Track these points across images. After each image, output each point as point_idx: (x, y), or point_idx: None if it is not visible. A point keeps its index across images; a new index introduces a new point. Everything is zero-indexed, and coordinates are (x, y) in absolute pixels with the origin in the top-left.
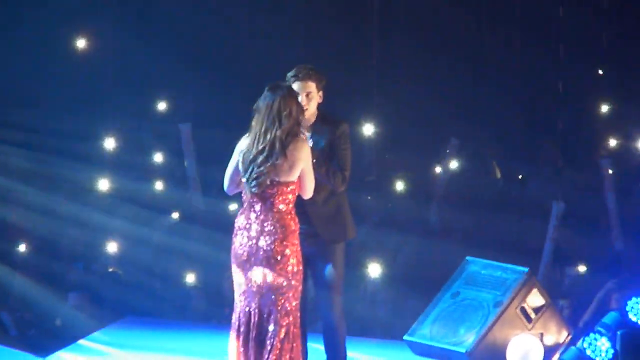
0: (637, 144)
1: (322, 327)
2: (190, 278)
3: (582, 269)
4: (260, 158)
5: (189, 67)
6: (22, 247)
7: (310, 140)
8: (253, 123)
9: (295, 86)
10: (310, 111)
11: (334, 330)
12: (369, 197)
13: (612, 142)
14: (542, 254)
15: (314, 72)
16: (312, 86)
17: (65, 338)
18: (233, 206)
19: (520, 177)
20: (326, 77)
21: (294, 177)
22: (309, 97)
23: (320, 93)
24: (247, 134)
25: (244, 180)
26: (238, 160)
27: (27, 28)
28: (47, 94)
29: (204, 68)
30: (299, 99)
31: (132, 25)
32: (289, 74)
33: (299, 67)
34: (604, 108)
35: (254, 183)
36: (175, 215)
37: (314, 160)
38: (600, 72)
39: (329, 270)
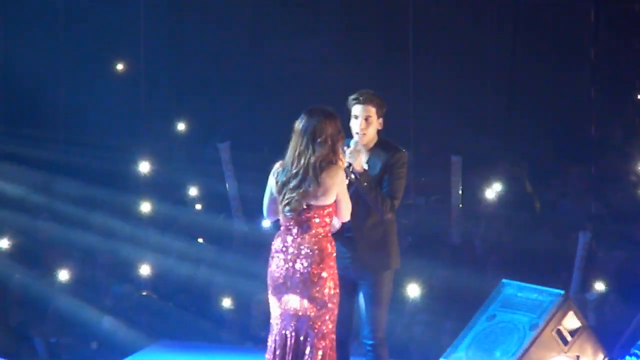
0: None
1: (364, 353)
2: (226, 302)
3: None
4: (293, 183)
5: (225, 89)
6: (62, 274)
7: (367, 164)
8: (290, 145)
9: (356, 109)
10: (369, 136)
11: (376, 357)
12: (406, 220)
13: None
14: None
15: (376, 97)
16: (372, 111)
17: None
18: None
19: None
20: (386, 105)
21: (329, 201)
22: (368, 121)
23: (381, 120)
24: (281, 160)
25: (279, 204)
26: (272, 185)
27: (67, 52)
28: (90, 115)
29: (238, 90)
30: (358, 122)
31: (166, 47)
32: (351, 97)
33: (361, 91)
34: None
35: (287, 208)
36: (200, 240)
37: (365, 184)
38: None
39: (373, 297)
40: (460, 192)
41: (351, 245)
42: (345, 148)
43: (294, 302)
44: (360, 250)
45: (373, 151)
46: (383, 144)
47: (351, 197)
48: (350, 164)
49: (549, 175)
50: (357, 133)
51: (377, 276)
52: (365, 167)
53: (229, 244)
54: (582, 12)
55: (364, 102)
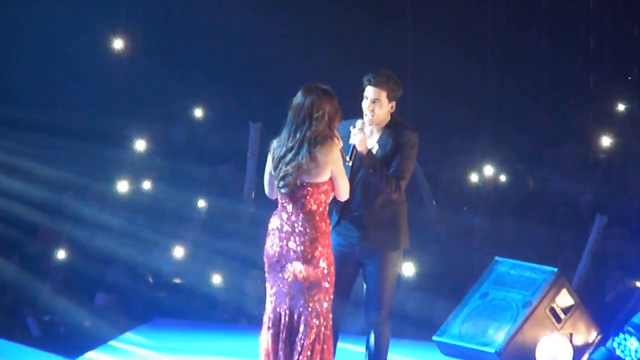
0: None
1: (367, 331)
2: (217, 279)
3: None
4: (289, 156)
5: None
6: (60, 254)
7: (377, 143)
8: (286, 121)
9: (367, 90)
10: (378, 119)
11: (378, 335)
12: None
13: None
14: (578, 264)
15: (391, 80)
16: (382, 94)
17: (95, 339)
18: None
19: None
20: (401, 87)
21: (323, 178)
22: (376, 103)
23: (393, 103)
24: (278, 137)
25: (275, 179)
26: (270, 162)
27: (61, 29)
28: (83, 95)
29: (229, 73)
30: (366, 103)
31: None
32: (365, 77)
33: (376, 71)
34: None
35: (282, 183)
36: (202, 203)
37: (368, 164)
38: (629, 77)
39: (379, 276)
40: (433, 202)
41: (360, 223)
42: (351, 127)
43: (288, 278)
44: (370, 228)
45: (385, 131)
46: (395, 124)
47: (361, 177)
48: (354, 145)
49: (542, 150)
50: (365, 114)
51: (385, 256)
52: (375, 147)
53: (237, 224)
54: None
55: (374, 84)
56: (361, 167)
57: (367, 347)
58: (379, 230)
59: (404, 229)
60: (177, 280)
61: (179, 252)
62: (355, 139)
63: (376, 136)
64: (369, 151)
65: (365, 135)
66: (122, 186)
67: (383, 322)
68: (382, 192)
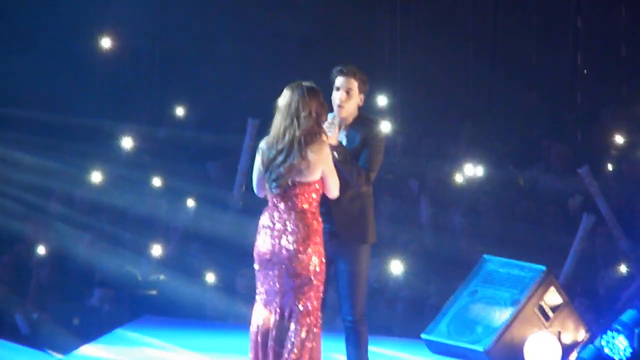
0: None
1: (344, 329)
2: (206, 277)
3: (622, 269)
4: (280, 158)
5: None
6: (47, 251)
7: (345, 137)
8: (273, 123)
9: (338, 81)
10: (349, 110)
11: (355, 333)
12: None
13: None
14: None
15: (360, 72)
16: (354, 84)
17: (84, 336)
18: None
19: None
20: (369, 84)
21: (314, 177)
22: (349, 94)
23: (362, 96)
24: (265, 138)
25: (266, 180)
26: (259, 162)
27: (48, 29)
28: (71, 94)
29: (220, 72)
30: (339, 94)
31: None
32: (335, 68)
33: (345, 64)
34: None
35: (274, 184)
36: (190, 202)
37: (339, 157)
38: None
39: (351, 272)
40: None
41: (329, 219)
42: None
43: (279, 275)
44: (339, 224)
45: (352, 125)
46: (362, 119)
47: None
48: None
49: (530, 152)
50: (337, 105)
51: (355, 251)
52: (343, 140)
53: (226, 221)
54: None
55: (346, 75)
56: (332, 160)
57: (346, 346)
58: (347, 224)
59: (371, 222)
60: (162, 277)
61: (167, 250)
62: (328, 132)
63: (344, 131)
64: (340, 143)
65: (337, 127)
66: (110, 184)
67: (359, 320)
68: (351, 185)
